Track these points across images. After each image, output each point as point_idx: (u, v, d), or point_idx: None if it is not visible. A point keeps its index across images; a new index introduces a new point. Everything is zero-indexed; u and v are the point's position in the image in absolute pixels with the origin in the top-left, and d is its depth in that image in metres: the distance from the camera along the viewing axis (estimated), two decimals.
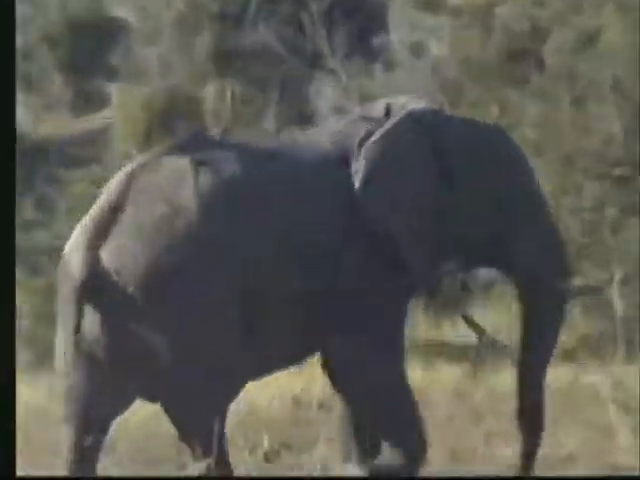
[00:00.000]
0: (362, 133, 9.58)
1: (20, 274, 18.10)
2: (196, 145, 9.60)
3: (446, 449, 11.30)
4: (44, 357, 15.23)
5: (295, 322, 9.36)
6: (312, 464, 10.32)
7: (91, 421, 9.30)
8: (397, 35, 22.94)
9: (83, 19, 29.30)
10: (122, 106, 24.53)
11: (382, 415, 9.63)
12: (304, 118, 21.55)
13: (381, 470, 9.61)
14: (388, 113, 9.81)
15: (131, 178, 9.32)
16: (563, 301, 10.36)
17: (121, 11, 28.37)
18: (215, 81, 23.37)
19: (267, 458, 8.96)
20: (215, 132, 21.64)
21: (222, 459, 9.21)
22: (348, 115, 10.23)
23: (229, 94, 22.17)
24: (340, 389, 9.71)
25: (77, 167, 22.37)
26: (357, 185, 9.40)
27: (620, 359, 15.93)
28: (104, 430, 9.46)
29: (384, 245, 9.49)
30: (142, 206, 9.17)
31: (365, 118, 9.84)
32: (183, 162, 9.29)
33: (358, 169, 9.41)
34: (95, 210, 9.38)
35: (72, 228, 19.31)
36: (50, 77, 28.67)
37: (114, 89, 25.98)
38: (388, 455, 9.60)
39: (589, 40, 20.65)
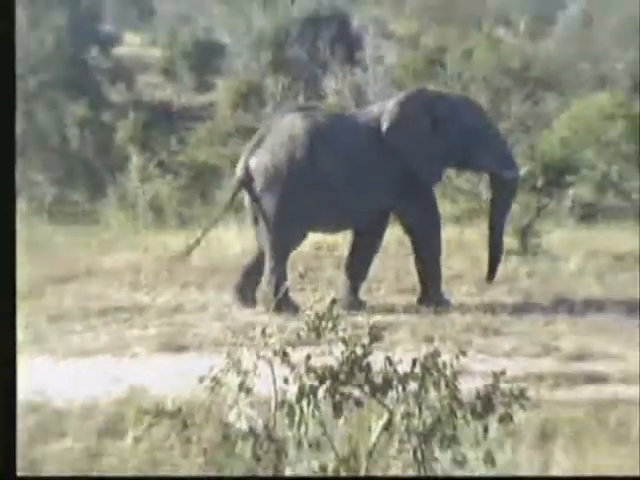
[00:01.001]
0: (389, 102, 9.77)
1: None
2: (302, 108, 10.24)
3: None
4: None
5: (350, 203, 9.46)
6: (323, 280, 10.16)
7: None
8: (369, 52, 22.57)
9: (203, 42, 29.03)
10: (223, 90, 24.28)
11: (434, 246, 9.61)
12: (319, 97, 21.33)
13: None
14: None
15: (270, 122, 9.86)
16: (513, 186, 10.04)
17: (224, 38, 28.12)
18: (272, 77, 22.98)
19: (301, 274, 9.03)
20: (271, 104, 21.56)
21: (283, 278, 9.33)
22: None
23: (279, 84, 21.87)
24: (413, 233, 9.70)
25: (200, 121, 22.10)
26: (383, 128, 9.48)
27: None
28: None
29: (400, 160, 9.48)
30: (274, 136, 9.46)
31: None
32: (296, 115, 9.62)
33: (384, 119, 9.50)
34: (252, 139, 9.73)
35: (198, 155, 18.87)
36: (183, 73, 28.29)
37: (220, 81, 25.62)
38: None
39: (469, 54, 20.32)
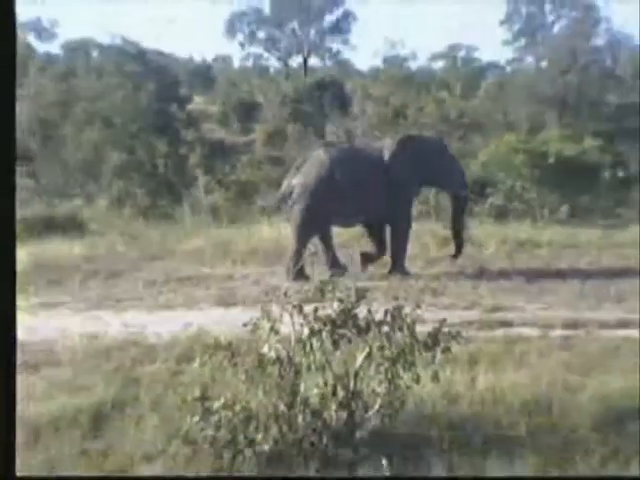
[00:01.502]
0: (389, 140, 9.64)
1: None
2: (326, 144, 10.53)
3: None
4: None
5: (355, 208, 9.28)
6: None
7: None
8: (356, 107, 22.43)
9: (246, 101, 28.89)
10: (259, 133, 24.15)
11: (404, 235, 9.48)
12: (323, 138, 21.19)
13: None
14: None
15: (307, 156, 9.64)
16: (466, 200, 10.06)
17: (260, 98, 28.01)
18: (292, 125, 22.85)
19: (312, 253, 8.93)
20: (292, 141, 21.36)
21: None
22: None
23: (296, 129, 21.77)
24: (393, 226, 9.47)
25: (243, 153, 21.97)
26: (385, 157, 9.35)
27: None
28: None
29: (397, 180, 9.29)
30: (308, 164, 9.32)
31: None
32: (322, 149, 9.57)
33: (386, 152, 9.38)
34: (294, 165, 9.55)
35: (242, 176, 18.61)
36: (232, 122, 28.15)
37: (257, 127, 25.44)
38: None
39: (421, 109, 20.06)
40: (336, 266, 9.32)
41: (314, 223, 9.27)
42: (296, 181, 9.33)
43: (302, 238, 9.26)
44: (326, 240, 9.55)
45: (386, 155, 9.37)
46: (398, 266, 9.43)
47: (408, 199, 9.54)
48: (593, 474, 4.24)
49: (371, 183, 9.28)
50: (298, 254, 9.17)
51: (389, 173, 9.31)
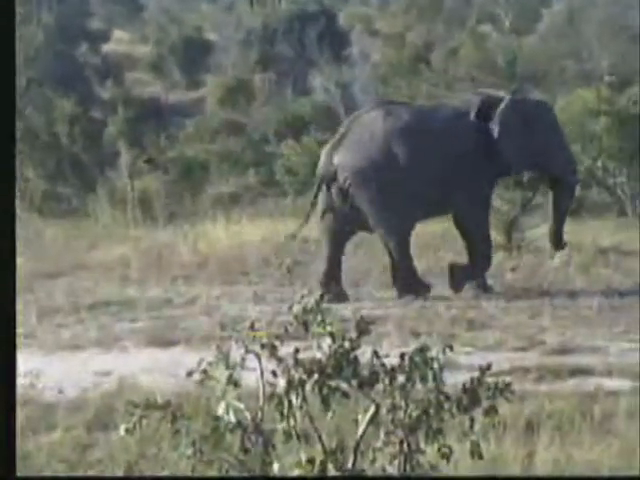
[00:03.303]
0: (478, 102, 9.98)
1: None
2: (383, 105, 10.28)
3: None
4: None
5: (434, 195, 9.74)
6: (312, 274, 10.12)
7: None
8: (355, 49, 22.59)
9: (192, 38, 29.02)
10: (212, 86, 24.28)
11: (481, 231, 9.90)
12: (305, 94, 21.33)
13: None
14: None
15: (352, 120, 10.08)
16: (574, 190, 10.68)
17: (213, 36, 28.16)
18: (260, 76, 23.02)
19: (288, 269, 9.03)
20: (261, 98, 21.56)
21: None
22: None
23: (266, 81, 21.95)
24: (462, 225, 9.93)
25: (189, 117, 22.11)
26: (496, 132, 9.77)
27: None
28: None
29: (503, 160, 9.80)
30: (356, 133, 9.69)
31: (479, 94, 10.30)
32: (379, 113, 9.82)
33: (494, 124, 9.80)
34: (335, 136, 9.98)
35: (186, 151, 18.66)
36: (172, 70, 28.32)
37: (209, 78, 25.60)
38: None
39: (455, 51, 20.26)
40: (334, 286, 9.42)
41: (399, 217, 9.55)
42: (342, 158, 9.55)
43: (398, 237, 9.61)
44: (335, 248, 9.74)
45: (496, 128, 9.70)
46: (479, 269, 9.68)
47: (488, 191, 10.01)
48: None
49: (457, 167, 9.63)
50: (407, 258, 9.56)
51: (495, 152, 9.68)
